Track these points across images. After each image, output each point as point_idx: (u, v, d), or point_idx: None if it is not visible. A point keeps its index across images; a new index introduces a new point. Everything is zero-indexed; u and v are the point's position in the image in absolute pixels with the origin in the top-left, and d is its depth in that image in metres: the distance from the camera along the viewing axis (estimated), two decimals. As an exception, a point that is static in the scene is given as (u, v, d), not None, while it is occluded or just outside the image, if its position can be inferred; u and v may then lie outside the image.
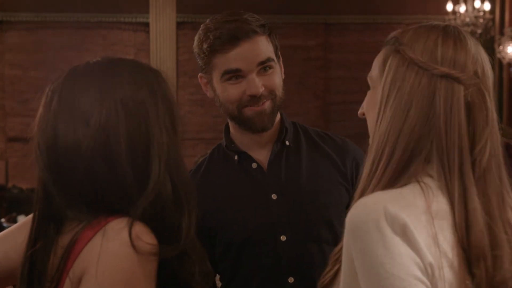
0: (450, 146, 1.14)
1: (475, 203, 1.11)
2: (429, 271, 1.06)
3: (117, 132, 1.16)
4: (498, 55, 8.21)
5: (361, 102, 1.31)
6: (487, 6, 7.95)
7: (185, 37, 8.87)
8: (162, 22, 8.53)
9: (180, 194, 1.20)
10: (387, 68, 1.20)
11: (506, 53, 8.11)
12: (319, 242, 1.82)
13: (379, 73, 1.22)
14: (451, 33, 1.20)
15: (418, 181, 1.13)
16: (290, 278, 1.79)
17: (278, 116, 1.86)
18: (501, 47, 8.15)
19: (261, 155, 1.87)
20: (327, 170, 1.88)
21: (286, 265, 1.79)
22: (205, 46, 1.78)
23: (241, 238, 1.82)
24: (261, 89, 1.77)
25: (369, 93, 1.27)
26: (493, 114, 1.18)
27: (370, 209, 1.08)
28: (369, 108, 1.26)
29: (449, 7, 8.02)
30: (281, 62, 1.87)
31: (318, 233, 1.82)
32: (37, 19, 8.80)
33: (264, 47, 1.78)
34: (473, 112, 1.15)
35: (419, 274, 1.04)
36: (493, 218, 1.12)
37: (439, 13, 8.50)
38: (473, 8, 7.92)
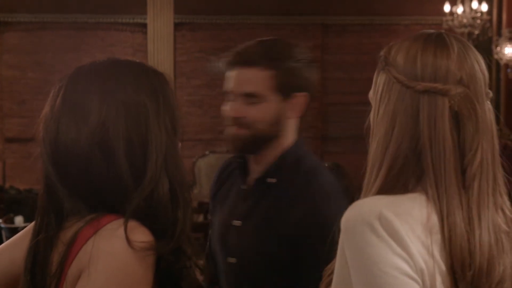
0: (436, 161, 1.14)
1: (457, 217, 1.11)
2: (420, 276, 1.06)
3: (117, 130, 1.20)
4: (495, 56, 8.22)
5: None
6: (484, 7, 7.96)
7: (183, 38, 8.88)
8: (159, 23, 8.53)
9: (177, 191, 1.23)
10: (376, 87, 1.22)
11: (504, 54, 8.12)
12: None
13: (372, 92, 1.24)
14: (431, 42, 1.18)
15: (424, 193, 1.14)
16: None
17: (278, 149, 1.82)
18: (498, 48, 8.16)
19: (255, 173, 1.85)
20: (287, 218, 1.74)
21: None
22: None
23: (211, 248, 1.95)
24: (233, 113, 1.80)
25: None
26: (486, 119, 1.17)
27: (365, 211, 1.09)
28: (372, 125, 1.25)
29: (447, 8, 8.03)
30: (293, 98, 1.86)
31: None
32: (35, 20, 8.80)
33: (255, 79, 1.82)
34: (462, 121, 1.15)
35: (412, 273, 1.05)
36: (475, 227, 1.12)
37: (437, 14, 8.51)
38: (471, 9, 7.93)
